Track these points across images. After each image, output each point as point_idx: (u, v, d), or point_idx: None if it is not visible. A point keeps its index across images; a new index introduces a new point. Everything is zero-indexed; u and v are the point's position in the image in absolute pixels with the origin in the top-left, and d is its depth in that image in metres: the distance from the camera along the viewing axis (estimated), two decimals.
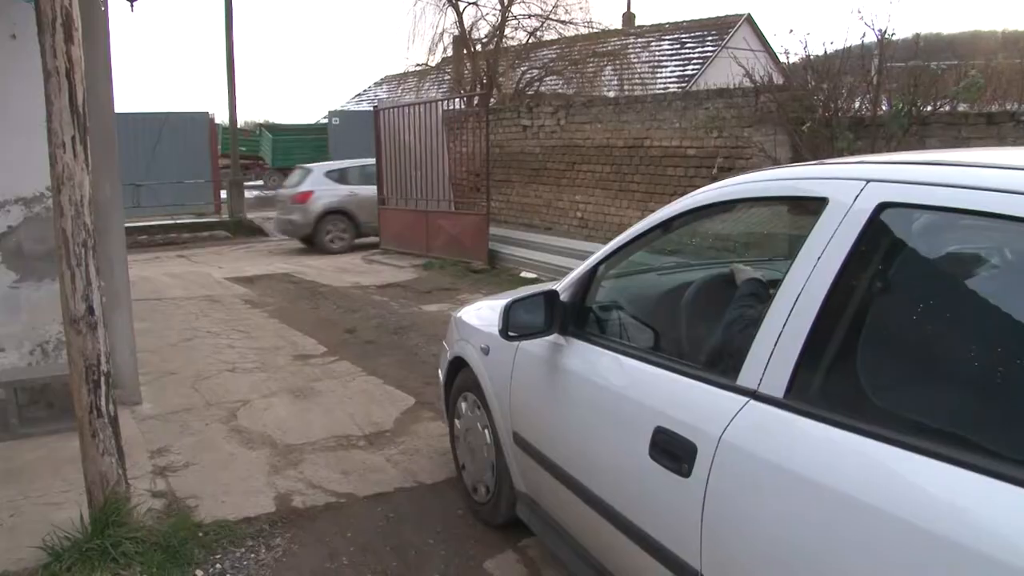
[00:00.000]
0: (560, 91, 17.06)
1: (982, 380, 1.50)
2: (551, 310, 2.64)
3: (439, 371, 3.90)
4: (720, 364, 2.03)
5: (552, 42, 17.82)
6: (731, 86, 8.82)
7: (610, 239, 2.71)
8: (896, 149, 6.55)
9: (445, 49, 18.12)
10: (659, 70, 22.21)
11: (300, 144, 24.28)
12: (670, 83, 21.05)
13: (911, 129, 6.44)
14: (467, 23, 17.13)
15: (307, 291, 8.91)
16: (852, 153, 6.76)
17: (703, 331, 2.25)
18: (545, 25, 17.31)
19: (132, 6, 5.26)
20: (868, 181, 1.77)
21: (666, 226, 2.51)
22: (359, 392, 5.06)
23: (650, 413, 2.08)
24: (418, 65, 19.19)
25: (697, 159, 8.74)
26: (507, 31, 17.08)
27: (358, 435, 4.34)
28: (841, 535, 1.48)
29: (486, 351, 3.19)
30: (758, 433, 1.74)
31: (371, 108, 16.30)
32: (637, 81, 19.42)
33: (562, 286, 2.76)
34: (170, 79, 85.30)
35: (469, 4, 16.95)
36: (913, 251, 1.77)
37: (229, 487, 3.68)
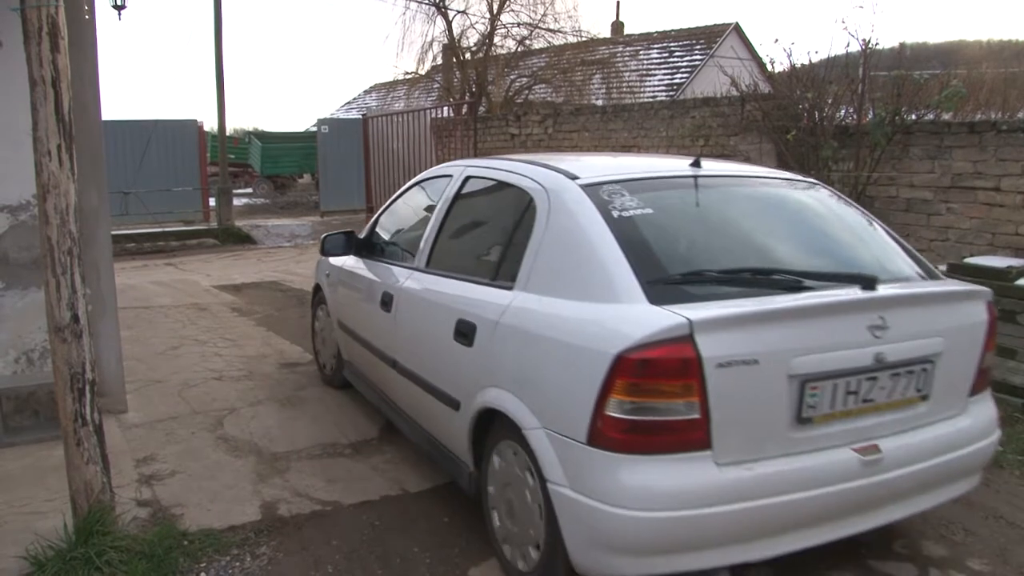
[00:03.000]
0: (549, 99, 17.13)
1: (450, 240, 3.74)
2: (349, 241, 4.66)
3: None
4: (412, 258, 3.92)
5: (541, 51, 17.94)
6: (718, 95, 8.88)
7: None
8: (880, 157, 6.61)
9: (434, 58, 18.21)
10: (647, 79, 22.31)
11: (289, 152, 24.22)
12: (658, 92, 21.15)
13: (894, 138, 6.50)
14: (456, 32, 17.23)
15: (295, 299, 8.89)
16: (837, 162, 6.83)
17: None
18: (534, 34, 17.44)
19: (120, 14, 5.26)
20: (467, 167, 3.90)
21: (404, 193, 4.62)
22: (345, 400, 5.06)
23: (384, 286, 4.06)
24: (407, 73, 19.27)
25: None
26: (496, 40, 17.18)
27: (344, 443, 4.35)
28: (418, 308, 3.67)
29: (329, 276, 5.14)
30: (415, 283, 3.74)
31: (360, 116, 16.30)
32: (625, 90, 19.54)
33: (363, 230, 4.80)
34: (159, 87, 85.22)
35: (458, 13, 17.04)
36: (473, 193, 3.76)
37: (215, 495, 3.68)
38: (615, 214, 2.78)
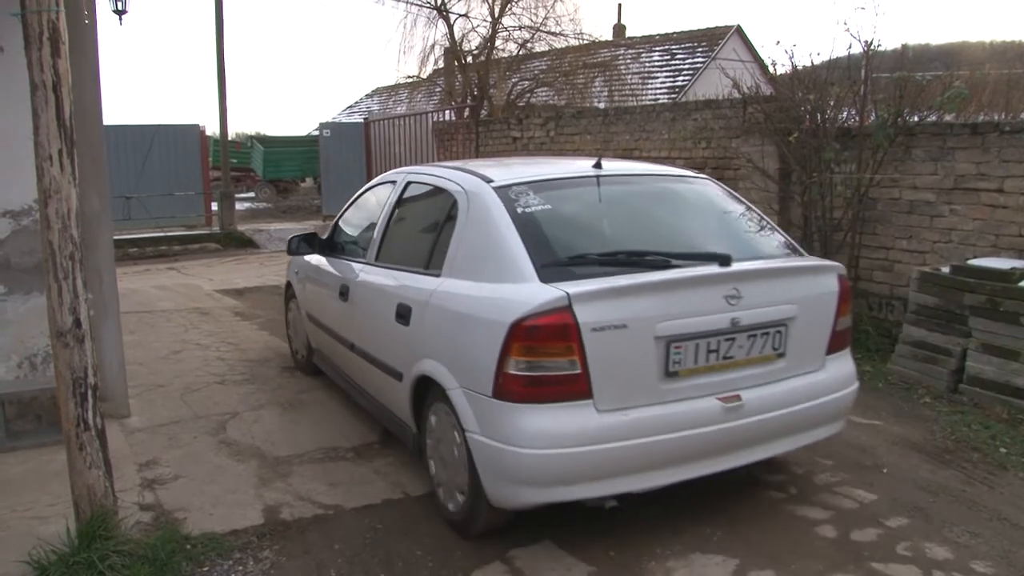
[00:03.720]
0: (551, 102, 17.10)
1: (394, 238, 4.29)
2: (312, 241, 5.16)
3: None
4: (365, 253, 4.41)
5: (543, 54, 17.88)
6: (720, 97, 8.86)
7: None
8: (883, 159, 6.59)
9: (436, 61, 18.16)
10: (649, 81, 22.33)
11: (291, 156, 24.25)
12: (660, 94, 21.15)
13: (897, 139, 6.48)
14: (457, 35, 17.18)
15: None
16: (839, 163, 6.81)
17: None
18: (536, 37, 17.38)
19: (121, 19, 5.28)
20: (408, 173, 4.44)
21: (359, 197, 5.17)
22: (347, 404, 5.06)
23: (343, 279, 4.54)
24: (409, 77, 19.24)
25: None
26: (498, 43, 17.12)
27: (346, 447, 4.34)
28: (369, 296, 4.19)
29: (298, 273, 5.69)
30: (366, 275, 4.26)
31: (362, 120, 16.29)
32: (627, 92, 19.51)
33: (326, 232, 5.30)
34: (161, 91, 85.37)
35: (459, 16, 17.02)
36: (412, 197, 4.28)
37: (217, 499, 3.67)
38: (519, 210, 3.35)
